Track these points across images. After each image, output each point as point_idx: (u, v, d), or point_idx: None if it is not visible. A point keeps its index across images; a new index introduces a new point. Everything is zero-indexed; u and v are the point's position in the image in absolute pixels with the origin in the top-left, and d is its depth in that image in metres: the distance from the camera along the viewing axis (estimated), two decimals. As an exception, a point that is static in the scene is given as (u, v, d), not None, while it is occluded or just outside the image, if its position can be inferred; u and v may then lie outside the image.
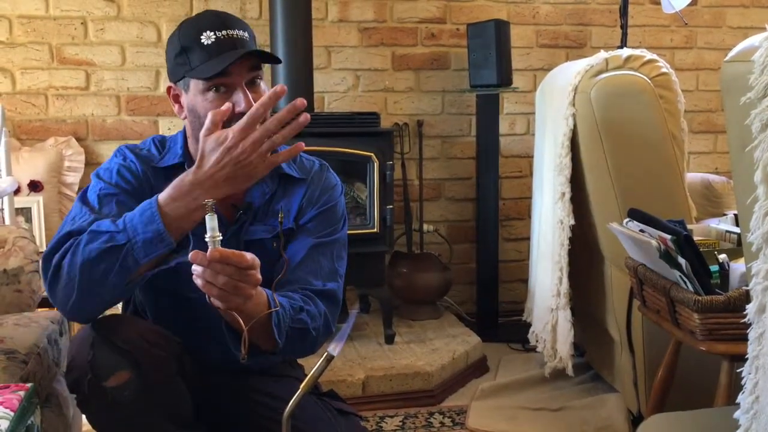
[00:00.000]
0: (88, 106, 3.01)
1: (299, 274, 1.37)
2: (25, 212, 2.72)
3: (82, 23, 2.96)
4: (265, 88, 1.37)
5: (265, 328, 1.23)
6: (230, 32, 1.31)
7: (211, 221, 1.13)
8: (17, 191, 2.67)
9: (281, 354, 1.32)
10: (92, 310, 1.26)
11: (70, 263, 1.19)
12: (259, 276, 1.15)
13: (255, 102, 1.30)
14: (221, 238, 1.13)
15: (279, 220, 1.29)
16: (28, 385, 1.23)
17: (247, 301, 1.16)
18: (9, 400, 1.14)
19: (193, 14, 2.98)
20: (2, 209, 2.51)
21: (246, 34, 1.34)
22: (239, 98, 1.30)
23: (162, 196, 1.19)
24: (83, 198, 1.33)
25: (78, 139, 2.97)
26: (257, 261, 1.13)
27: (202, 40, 1.30)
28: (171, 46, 1.36)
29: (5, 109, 2.63)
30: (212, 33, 1.30)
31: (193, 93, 1.33)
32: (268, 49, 2.72)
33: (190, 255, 1.11)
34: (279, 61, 1.42)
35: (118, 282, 1.19)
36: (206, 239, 1.12)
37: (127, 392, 1.21)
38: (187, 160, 1.39)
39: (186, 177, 1.19)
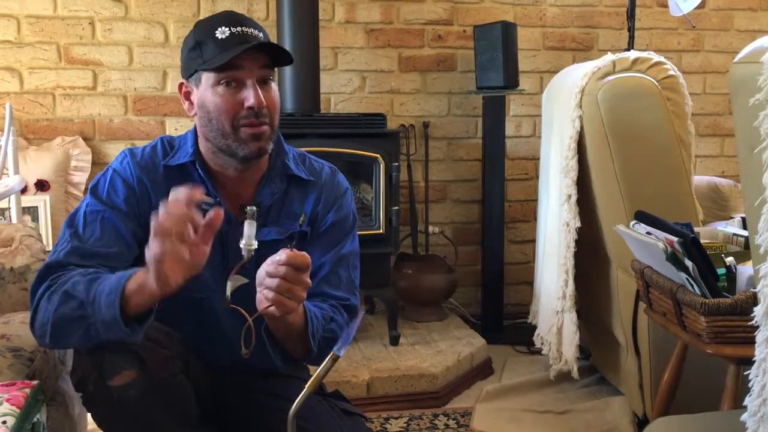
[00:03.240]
0: (95, 106, 3.01)
1: (322, 287, 1.40)
2: (31, 211, 2.73)
3: (89, 23, 2.97)
4: (276, 88, 1.38)
5: (301, 337, 1.28)
6: (245, 29, 1.32)
7: (249, 229, 1.15)
8: (24, 190, 2.68)
9: (309, 362, 1.35)
10: (65, 349, 1.29)
11: (44, 313, 1.21)
12: (309, 281, 1.19)
13: (265, 99, 1.31)
14: (255, 247, 1.16)
15: (300, 223, 1.30)
16: (34, 382, 1.24)
17: (299, 305, 1.21)
18: (15, 398, 1.14)
19: (201, 15, 3.01)
20: (9, 208, 2.51)
21: (261, 34, 1.34)
22: (249, 93, 1.31)
23: (130, 286, 1.14)
24: (71, 219, 1.34)
25: (85, 139, 2.98)
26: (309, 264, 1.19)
27: (217, 35, 1.31)
28: (186, 42, 1.37)
29: (13, 109, 2.64)
30: (227, 28, 1.31)
31: (204, 87, 1.34)
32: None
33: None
34: (291, 61, 1.42)
35: (85, 343, 1.20)
36: (241, 245, 1.16)
37: (133, 391, 1.21)
38: (197, 158, 1.40)
39: (146, 285, 1.13)
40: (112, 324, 1.14)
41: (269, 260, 1.19)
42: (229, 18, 1.34)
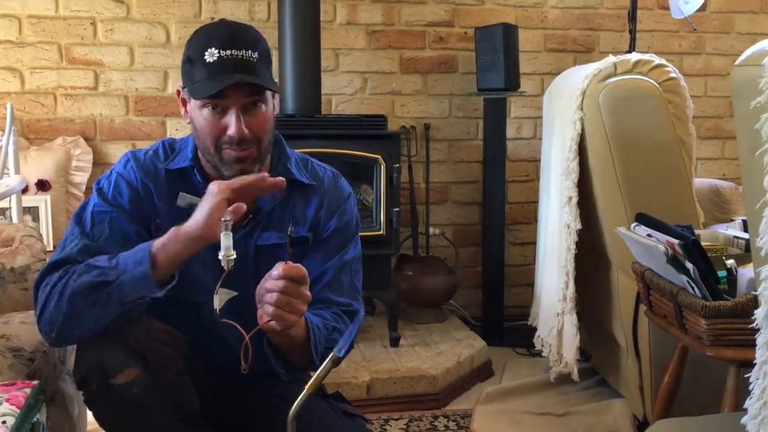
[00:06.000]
0: (96, 106, 3.02)
1: (325, 293, 1.40)
2: (32, 211, 2.73)
3: (91, 23, 2.98)
4: (268, 110, 1.35)
5: (303, 349, 1.28)
6: (236, 52, 1.28)
7: (226, 240, 1.14)
8: (25, 190, 2.68)
9: (312, 370, 1.36)
10: (73, 339, 1.30)
11: (61, 292, 1.22)
12: (309, 294, 1.20)
13: (251, 125, 1.31)
14: (234, 257, 1.15)
15: (289, 232, 1.30)
16: (34, 382, 1.24)
17: (300, 319, 1.21)
18: (15, 397, 1.15)
19: (202, 16, 3.02)
20: (10, 208, 2.52)
21: (255, 55, 1.30)
22: (231, 122, 1.30)
23: (156, 243, 1.22)
24: (78, 217, 1.34)
25: (86, 139, 2.98)
26: (308, 277, 1.20)
27: (206, 57, 1.29)
28: (184, 51, 1.36)
29: (14, 108, 2.64)
30: (216, 51, 1.28)
31: (193, 105, 1.35)
32: (276, 51, 2.72)
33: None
34: (277, 90, 1.40)
35: (100, 316, 1.21)
36: (219, 257, 1.15)
37: (136, 389, 1.21)
38: (196, 163, 1.40)
39: (181, 229, 1.22)
40: (140, 281, 1.19)
41: (267, 276, 1.19)
42: (222, 37, 1.30)
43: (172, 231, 1.22)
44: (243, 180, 1.24)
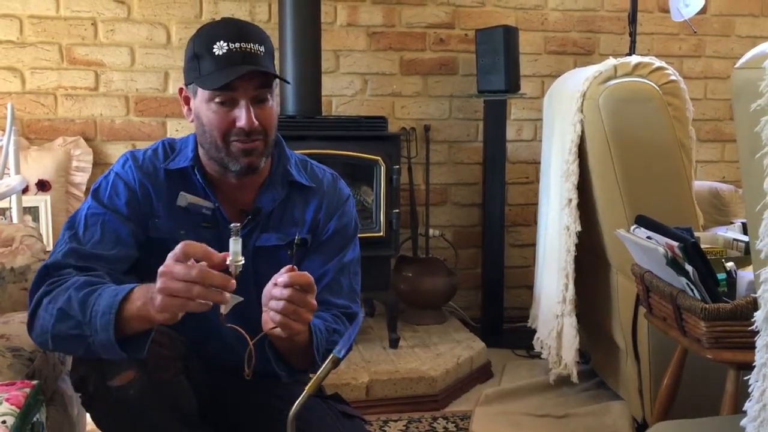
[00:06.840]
0: (96, 107, 3.02)
1: (325, 295, 1.40)
2: (32, 211, 2.73)
3: (92, 24, 2.98)
4: (274, 104, 1.37)
5: (305, 350, 1.28)
6: (244, 45, 1.30)
7: (235, 245, 1.14)
8: (25, 190, 2.68)
9: (313, 372, 1.37)
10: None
11: (43, 323, 1.21)
12: (315, 303, 1.19)
13: (259, 118, 1.31)
14: (242, 262, 1.15)
15: (296, 240, 1.28)
16: (34, 382, 1.24)
17: (306, 326, 1.21)
18: (15, 397, 1.14)
19: (203, 17, 3.02)
20: (10, 208, 2.52)
21: (261, 48, 1.32)
22: (241, 114, 1.31)
23: (128, 308, 1.14)
24: (71, 221, 1.34)
25: (86, 140, 2.98)
26: (315, 285, 1.19)
27: (214, 50, 1.29)
28: (187, 49, 1.37)
29: (15, 108, 2.63)
30: (225, 44, 1.29)
31: (200, 100, 1.34)
32: (276, 53, 2.72)
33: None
34: (287, 81, 1.41)
35: (90, 356, 1.20)
36: (227, 262, 1.14)
37: (132, 391, 1.21)
38: (196, 163, 1.40)
39: (144, 306, 1.13)
40: (109, 346, 1.15)
41: (273, 280, 1.19)
42: (230, 31, 1.31)
43: (142, 304, 1.13)
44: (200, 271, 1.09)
